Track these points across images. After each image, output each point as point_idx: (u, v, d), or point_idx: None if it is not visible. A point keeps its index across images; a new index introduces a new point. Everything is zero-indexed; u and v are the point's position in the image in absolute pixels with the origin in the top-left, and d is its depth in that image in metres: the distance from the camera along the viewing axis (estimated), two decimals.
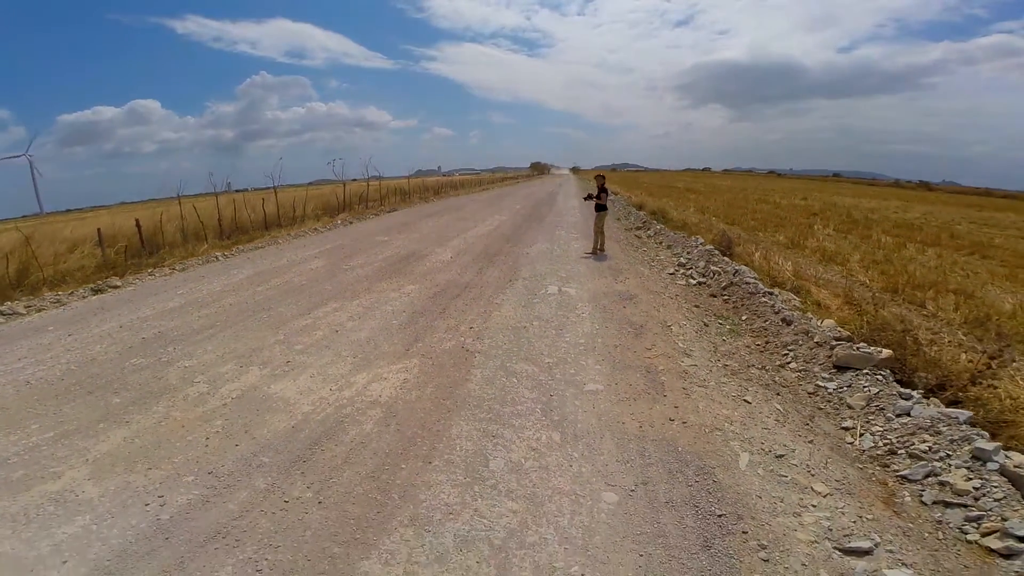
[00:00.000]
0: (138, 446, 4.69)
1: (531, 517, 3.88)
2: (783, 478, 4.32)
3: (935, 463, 4.25)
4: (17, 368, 6.60)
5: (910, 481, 4.18)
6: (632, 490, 4.23)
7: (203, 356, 7.04)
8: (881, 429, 5.04)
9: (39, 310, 9.60)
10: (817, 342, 7.56)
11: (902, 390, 5.67)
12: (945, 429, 4.68)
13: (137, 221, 16.30)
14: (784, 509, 3.87)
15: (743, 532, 3.61)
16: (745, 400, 6.06)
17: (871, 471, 4.45)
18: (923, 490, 4.01)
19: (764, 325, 8.75)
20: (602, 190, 14.34)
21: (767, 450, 4.81)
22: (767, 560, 3.32)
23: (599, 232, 13.90)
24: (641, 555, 3.36)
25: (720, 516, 3.81)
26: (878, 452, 4.80)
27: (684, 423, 5.35)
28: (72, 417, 5.21)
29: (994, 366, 5.88)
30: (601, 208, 14.18)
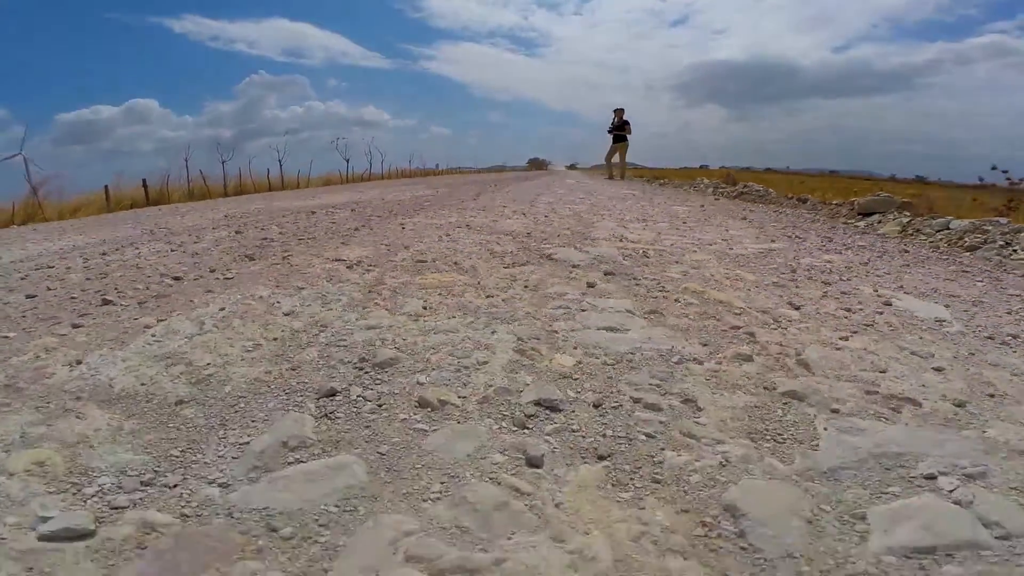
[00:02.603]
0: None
1: (594, 207, 3.77)
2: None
3: (999, 248, 4.11)
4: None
5: (984, 259, 3.97)
6: (702, 207, 4.13)
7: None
8: (926, 240, 4.86)
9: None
10: (836, 204, 7.55)
11: (933, 213, 5.57)
12: (991, 228, 4.59)
13: (144, 181, 16.23)
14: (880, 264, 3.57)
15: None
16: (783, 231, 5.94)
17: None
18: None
19: (780, 208, 8.73)
20: (624, 121, 13.79)
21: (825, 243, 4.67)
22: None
23: (621, 163, 13.52)
24: (754, 227, 3.22)
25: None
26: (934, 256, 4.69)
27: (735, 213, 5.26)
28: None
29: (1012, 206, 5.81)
30: (620, 139, 13.66)
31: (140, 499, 1.01)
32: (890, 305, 2.63)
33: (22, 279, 3.01)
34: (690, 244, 3.82)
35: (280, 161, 24.19)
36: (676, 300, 2.38)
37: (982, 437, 1.30)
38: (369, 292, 2.41)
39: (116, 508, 0.99)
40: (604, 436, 1.24)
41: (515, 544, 0.89)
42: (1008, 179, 5.86)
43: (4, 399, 1.43)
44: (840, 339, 2.01)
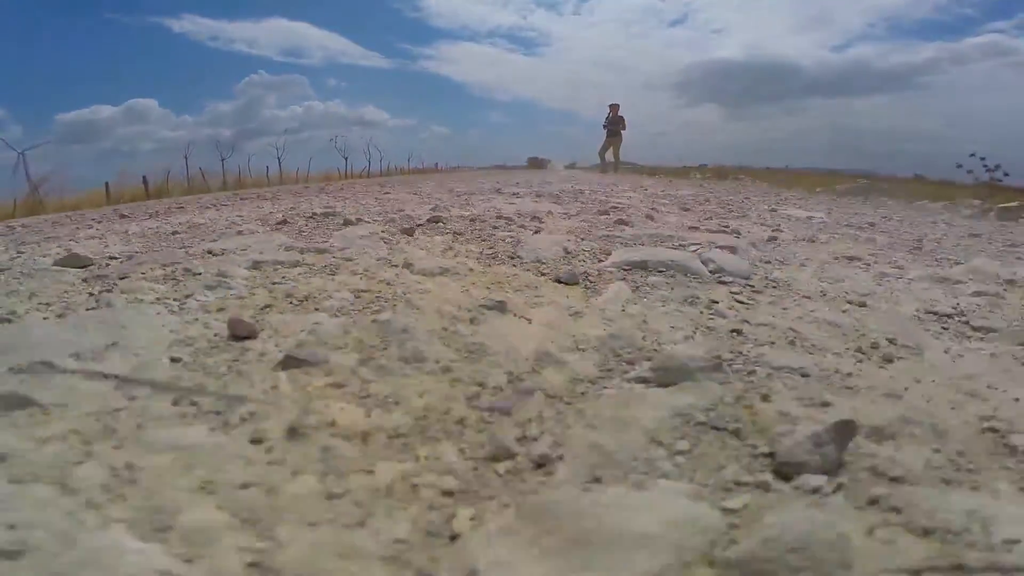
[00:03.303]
0: None
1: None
2: None
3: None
4: None
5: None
6: (670, 181, 4.54)
7: None
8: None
9: None
10: (818, 190, 8.08)
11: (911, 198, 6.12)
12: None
13: (144, 178, 16.84)
14: None
15: None
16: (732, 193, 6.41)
17: None
18: None
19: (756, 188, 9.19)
20: (619, 117, 13.77)
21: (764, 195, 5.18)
22: None
23: (615, 158, 13.50)
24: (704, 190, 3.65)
25: None
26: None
27: None
28: None
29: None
30: (614, 134, 13.58)
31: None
32: (775, 211, 3.12)
33: None
34: (631, 190, 4.29)
35: (279, 159, 24.69)
36: (581, 201, 2.87)
37: (771, 246, 1.74)
38: None
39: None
40: (465, 229, 1.75)
41: (363, 254, 1.40)
42: (985, 166, 6.17)
43: None
44: (705, 219, 2.49)
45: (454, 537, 0.47)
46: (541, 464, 0.58)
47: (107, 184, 16.27)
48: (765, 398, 0.73)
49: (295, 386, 0.71)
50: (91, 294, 1.10)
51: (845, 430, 0.62)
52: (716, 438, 0.63)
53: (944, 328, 1.09)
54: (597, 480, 0.55)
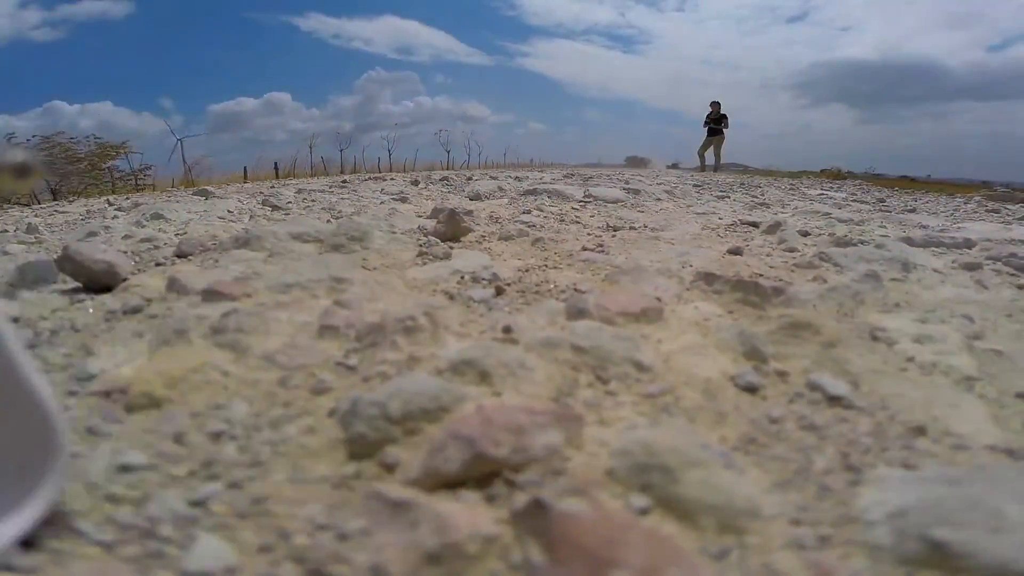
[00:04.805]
0: None
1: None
2: None
3: None
4: None
5: None
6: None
7: None
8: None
9: None
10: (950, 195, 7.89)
11: None
12: None
13: (276, 163, 18.81)
14: None
15: None
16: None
17: None
18: None
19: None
20: (721, 115, 13.07)
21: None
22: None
23: (716, 157, 12.85)
24: None
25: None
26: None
27: None
28: None
29: None
30: (715, 132, 12.92)
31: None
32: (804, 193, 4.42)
33: None
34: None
35: (389, 151, 26.38)
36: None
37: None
38: None
39: None
40: (517, 190, 2.75)
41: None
42: None
43: None
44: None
45: None
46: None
47: (245, 168, 18.04)
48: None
49: None
50: None
51: None
52: None
53: None
54: None
